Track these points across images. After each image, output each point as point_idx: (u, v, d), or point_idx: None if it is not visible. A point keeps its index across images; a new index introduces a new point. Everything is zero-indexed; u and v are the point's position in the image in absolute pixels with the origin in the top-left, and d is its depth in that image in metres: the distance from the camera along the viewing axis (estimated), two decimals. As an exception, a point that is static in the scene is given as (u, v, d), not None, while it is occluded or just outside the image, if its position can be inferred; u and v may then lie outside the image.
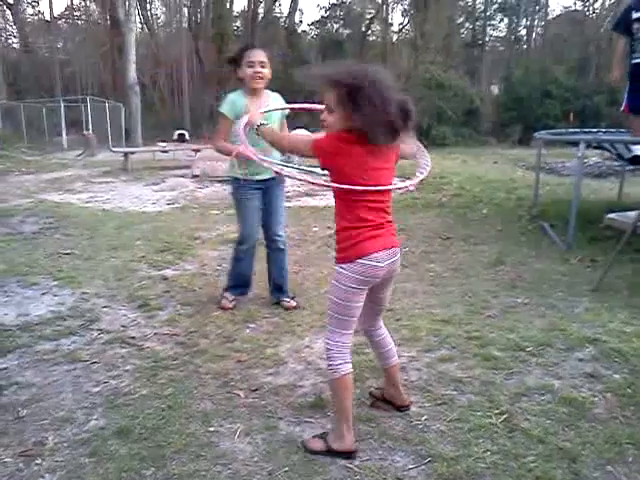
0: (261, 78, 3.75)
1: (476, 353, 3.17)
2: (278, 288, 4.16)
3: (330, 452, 2.30)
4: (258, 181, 3.88)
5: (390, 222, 2.30)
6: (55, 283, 4.50)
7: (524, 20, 38.70)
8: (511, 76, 28.81)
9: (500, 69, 35.47)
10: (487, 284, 4.60)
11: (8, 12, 34.15)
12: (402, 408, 2.61)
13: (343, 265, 2.22)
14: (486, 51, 38.22)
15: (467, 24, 38.38)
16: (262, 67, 3.74)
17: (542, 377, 2.89)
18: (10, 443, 2.40)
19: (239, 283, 4.13)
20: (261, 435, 2.46)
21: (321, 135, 2.21)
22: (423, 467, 2.20)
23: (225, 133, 3.77)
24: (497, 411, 2.56)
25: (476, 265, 5.18)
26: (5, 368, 3.08)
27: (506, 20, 38.42)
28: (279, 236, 4.07)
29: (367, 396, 2.73)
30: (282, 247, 4.10)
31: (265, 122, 2.31)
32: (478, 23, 38.23)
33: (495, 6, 37.33)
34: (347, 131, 2.12)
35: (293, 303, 4.09)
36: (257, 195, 3.93)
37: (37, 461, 2.29)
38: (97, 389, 2.87)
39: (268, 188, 3.93)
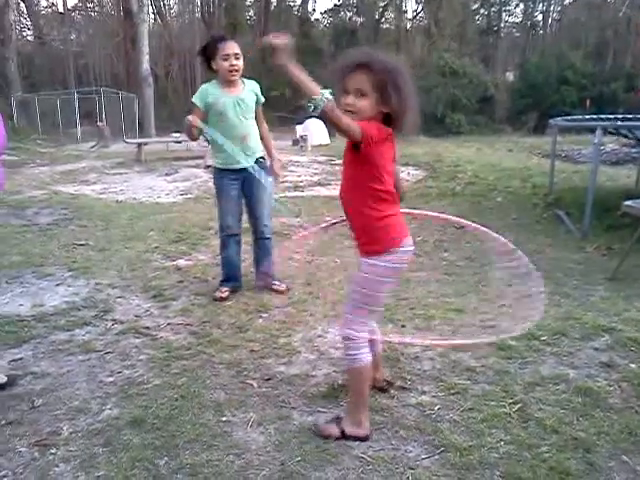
0: (237, 71, 3.77)
1: (490, 342, 3.14)
2: (266, 275, 4.17)
3: (344, 437, 2.31)
4: (234, 171, 3.90)
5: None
6: (70, 274, 4.53)
7: (540, 5, 38.24)
8: (526, 63, 28.48)
9: (515, 56, 35.07)
10: (501, 273, 4.56)
11: (22, 5, 34.22)
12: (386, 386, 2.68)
13: (377, 257, 2.20)
14: (501, 37, 37.81)
15: (482, 10, 37.96)
16: (237, 59, 3.75)
17: (557, 366, 2.86)
18: (25, 433, 2.42)
19: (228, 274, 4.14)
20: (274, 425, 2.45)
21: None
22: (436, 457, 2.19)
23: (194, 121, 3.72)
24: (511, 400, 2.54)
25: (489, 254, 5.14)
26: (21, 358, 3.11)
27: (522, 5, 37.98)
28: (265, 226, 4.09)
29: (379, 385, 2.71)
30: (268, 236, 4.13)
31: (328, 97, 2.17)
32: (493, 9, 37.80)
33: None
34: (378, 119, 2.11)
35: (283, 286, 4.14)
36: (235, 185, 3.96)
37: (52, 450, 2.30)
38: (111, 379, 2.88)
39: (247, 178, 3.91)
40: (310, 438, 2.35)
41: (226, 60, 3.72)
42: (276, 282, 4.17)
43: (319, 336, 3.34)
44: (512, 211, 6.90)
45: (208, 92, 3.82)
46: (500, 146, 16.44)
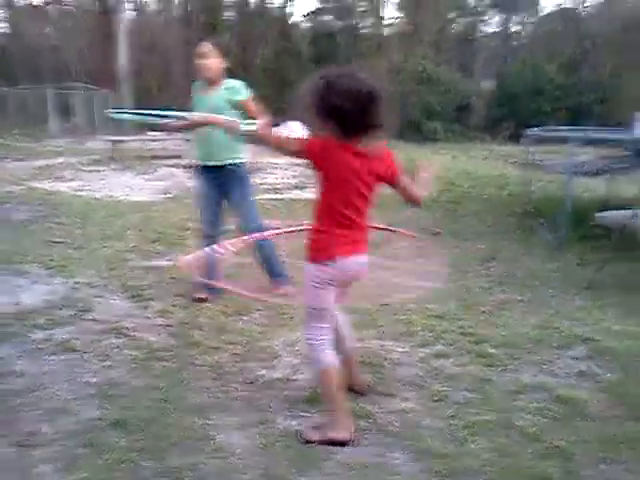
0: (206, 70, 3.84)
1: (471, 349, 3.20)
2: (273, 274, 4.13)
3: (327, 442, 2.33)
4: (210, 168, 3.94)
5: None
6: (47, 272, 4.48)
7: (517, 16, 38.71)
8: (503, 72, 28.83)
9: (492, 65, 35.46)
10: (480, 280, 4.63)
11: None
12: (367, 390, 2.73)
13: (310, 264, 2.36)
14: (478, 46, 38.19)
15: (459, 19, 38.31)
16: (204, 58, 3.82)
17: (537, 375, 2.92)
18: (5, 433, 2.39)
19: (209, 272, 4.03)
20: (257, 429, 2.46)
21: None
22: (420, 464, 2.22)
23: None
24: (492, 408, 2.59)
25: (468, 261, 5.21)
26: (0, 357, 3.06)
27: (497, 18, 38.43)
28: (255, 227, 3.97)
29: (358, 389, 2.73)
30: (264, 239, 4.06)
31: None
32: (470, 18, 38.19)
33: (487, 1, 37.31)
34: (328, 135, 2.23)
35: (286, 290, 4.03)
36: (213, 184, 3.98)
37: (32, 451, 2.27)
38: (92, 379, 2.86)
39: (226, 177, 3.94)
40: (293, 442, 2.36)
41: (199, 59, 3.84)
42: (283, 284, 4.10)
43: (300, 340, 3.34)
44: (488, 219, 6.99)
45: (195, 89, 4.01)
46: (476, 154, 16.60)
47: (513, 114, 24.62)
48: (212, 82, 3.88)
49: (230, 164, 3.93)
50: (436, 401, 2.68)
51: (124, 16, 24.05)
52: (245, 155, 4.05)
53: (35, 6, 35.67)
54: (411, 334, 3.43)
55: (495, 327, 3.52)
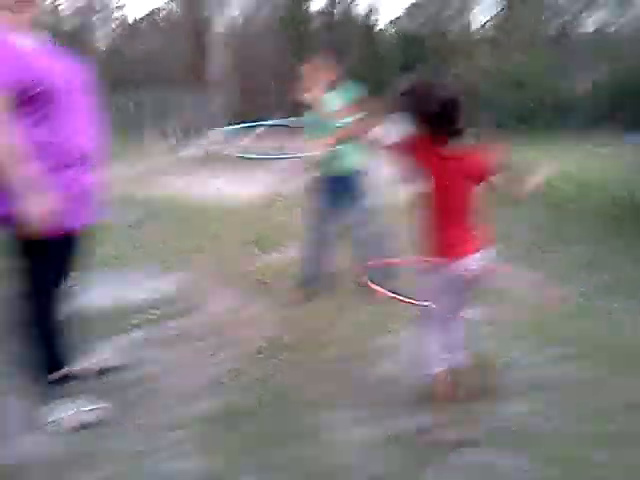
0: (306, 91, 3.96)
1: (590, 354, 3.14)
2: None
3: (438, 443, 2.35)
4: (330, 178, 4.05)
5: None
6: (151, 271, 4.77)
7: (614, 14, 37.08)
8: (602, 72, 27.57)
9: (590, 64, 34.01)
10: (581, 287, 4.45)
11: (101, 15, 35.53)
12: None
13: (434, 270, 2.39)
14: (574, 46, 36.77)
15: (554, 20, 37.06)
16: (312, 82, 3.97)
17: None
18: (140, 416, 2.58)
19: (309, 276, 4.19)
20: (367, 427, 2.52)
21: None
22: (538, 471, 2.20)
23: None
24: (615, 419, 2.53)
25: (568, 267, 5.02)
26: (131, 345, 3.33)
27: (594, 16, 36.94)
28: (366, 234, 4.09)
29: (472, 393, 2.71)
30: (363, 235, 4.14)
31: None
32: (565, 18, 36.86)
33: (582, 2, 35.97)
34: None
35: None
36: (330, 193, 4.07)
37: (168, 433, 2.45)
38: (215, 370, 3.04)
39: (344, 185, 4.05)
40: (403, 441, 2.39)
41: (307, 83, 3.99)
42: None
43: (408, 339, 3.36)
44: (590, 223, 6.72)
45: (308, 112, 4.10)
46: (577, 155, 15.92)
47: (614, 115, 23.47)
48: (312, 101, 3.99)
49: (349, 173, 4.05)
50: (553, 405, 2.64)
51: (217, 28, 24.81)
52: (363, 163, 4.15)
53: (134, 21, 37.47)
54: (525, 337, 3.39)
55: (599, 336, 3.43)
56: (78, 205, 2.39)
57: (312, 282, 4.19)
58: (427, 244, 2.39)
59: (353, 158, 4.06)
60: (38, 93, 2.18)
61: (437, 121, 2.25)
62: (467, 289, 2.46)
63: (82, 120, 2.39)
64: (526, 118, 23.29)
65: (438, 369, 2.40)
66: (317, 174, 4.11)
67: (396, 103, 2.35)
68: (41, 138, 2.22)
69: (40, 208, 2.15)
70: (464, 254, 2.34)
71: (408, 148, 2.33)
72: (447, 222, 2.35)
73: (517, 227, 6.66)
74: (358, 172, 4.12)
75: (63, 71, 2.32)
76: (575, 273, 4.85)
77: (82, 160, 2.37)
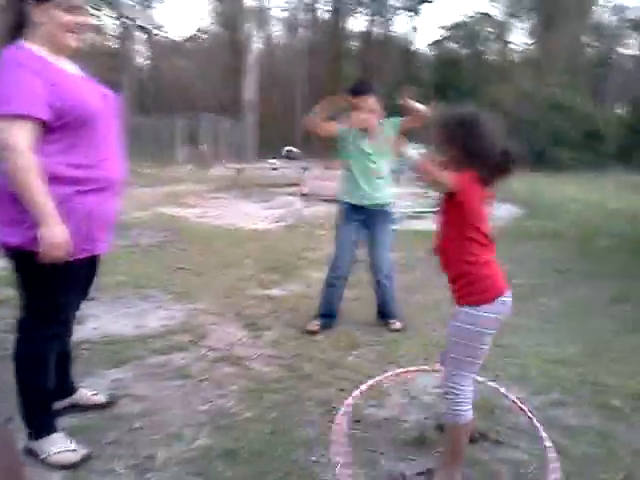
0: (369, 123, 3.89)
1: (592, 400, 2.99)
2: (383, 314, 4.18)
3: None
4: (358, 208, 4.00)
5: None
6: (169, 297, 4.71)
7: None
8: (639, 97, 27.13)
9: (629, 90, 33.56)
10: (607, 323, 4.33)
11: (139, 35, 36.41)
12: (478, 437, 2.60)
13: (477, 307, 2.17)
14: (614, 70, 36.34)
15: (594, 43, 36.69)
16: (366, 111, 3.86)
17: (669, 433, 2.68)
18: (124, 454, 2.50)
19: (324, 311, 4.15)
20: (362, 469, 2.42)
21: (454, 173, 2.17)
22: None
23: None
24: (618, 467, 2.39)
25: (595, 301, 4.89)
26: (121, 379, 3.23)
27: (639, 38, 36.49)
28: (381, 271, 4.11)
29: (474, 438, 2.62)
30: (385, 282, 4.13)
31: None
32: (606, 41, 36.47)
33: (627, 24, 35.59)
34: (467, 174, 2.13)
35: (398, 325, 4.10)
36: (355, 225, 4.05)
37: (147, 475, 2.37)
38: (205, 407, 2.94)
39: (371, 219, 4.03)
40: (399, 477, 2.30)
41: (360, 113, 3.86)
42: (391, 320, 4.16)
43: (410, 379, 3.28)
44: (620, 257, 6.54)
45: (347, 135, 4.01)
46: (607, 184, 15.66)
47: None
48: (372, 131, 3.93)
49: (380, 205, 4.02)
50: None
51: (253, 49, 25.19)
52: (392, 196, 4.15)
53: (173, 42, 38.30)
54: (526, 379, 3.26)
55: (622, 377, 3.27)
56: (100, 231, 2.38)
57: (329, 315, 4.16)
58: (481, 273, 2.22)
59: (390, 190, 4.09)
60: (74, 118, 2.19)
61: (495, 166, 2.14)
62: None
63: (112, 147, 2.40)
64: (561, 141, 22.97)
65: (467, 420, 2.26)
66: (350, 203, 4.05)
67: (441, 134, 2.21)
68: (72, 162, 2.22)
69: (58, 237, 2.13)
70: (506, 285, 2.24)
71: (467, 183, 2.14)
72: (490, 249, 2.23)
73: (542, 259, 6.55)
74: (393, 204, 4.15)
75: (97, 98, 2.33)
76: (601, 308, 4.72)
77: (109, 187, 2.37)
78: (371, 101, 3.85)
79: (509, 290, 2.22)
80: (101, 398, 2.91)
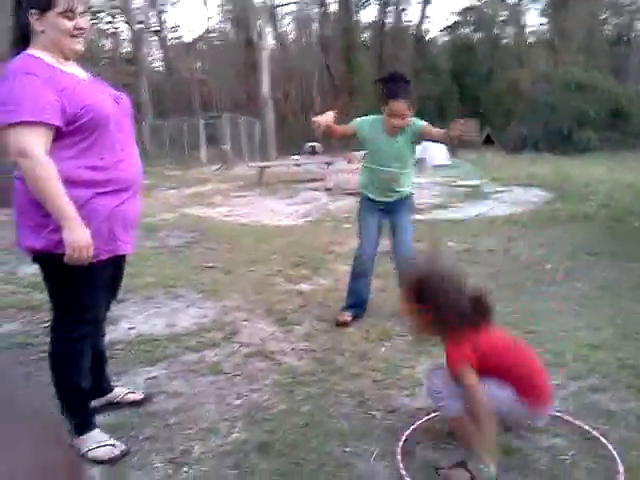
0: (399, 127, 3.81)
1: (630, 384, 2.94)
2: None
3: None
4: (380, 202, 4.03)
5: None
6: (199, 295, 4.74)
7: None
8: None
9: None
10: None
11: (153, 38, 36.76)
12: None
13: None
14: (633, 47, 35.64)
15: (612, 19, 35.99)
16: (402, 118, 3.77)
17: None
18: (160, 449, 2.54)
19: (353, 301, 4.15)
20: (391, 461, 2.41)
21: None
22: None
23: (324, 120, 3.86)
24: (656, 450, 2.35)
25: (628, 284, 4.79)
26: (155, 377, 3.28)
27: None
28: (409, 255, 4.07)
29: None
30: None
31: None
32: (623, 17, 35.76)
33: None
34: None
35: None
36: (378, 213, 4.07)
37: (184, 468, 2.40)
38: (238, 402, 2.97)
39: (392, 207, 4.04)
40: (433, 475, 2.29)
41: (391, 117, 3.78)
42: None
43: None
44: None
45: (368, 125, 3.94)
46: (635, 164, 15.32)
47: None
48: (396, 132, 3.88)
49: (400, 197, 4.04)
50: (590, 439, 2.48)
51: (266, 46, 25.24)
52: (412, 185, 4.15)
53: (187, 43, 38.57)
54: (562, 365, 3.22)
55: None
56: (122, 232, 2.40)
57: (358, 305, 4.17)
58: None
59: (410, 180, 4.09)
60: (86, 121, 2.21)
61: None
62: None
63: (127, 148, 2.42)
64: (585, 122, 22.53)
65: (455, 408, 2.28)
66: (374, 195, 4.06)
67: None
68: (89, 165, 2.25)
69: (82, 240, 2.16)
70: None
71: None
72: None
73: (573, 243, 6.46)
74: (413, 194, 4.16)
75: (108, 100, 2.36)
76: (634, 291, 4.63)
77: (128, 187, 2.39)
78: (405, 105, 3.73)
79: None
80: (137, 395, 2.96)
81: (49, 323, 2.51)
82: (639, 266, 5.31)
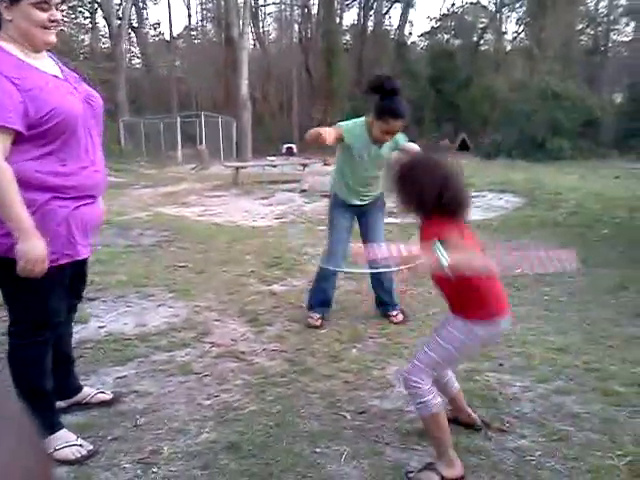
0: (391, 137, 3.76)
1: (595, 387, 3.00)
2: (382, 303, 4.18)
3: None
4: (354, 205, 4.03)
5: None
6: (170, 295, 4.71)
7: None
8: (637, 84, 26.97)
9: (624, 76, 33.45)
10: (608, 311, 4.34)
11: (133, 35, 36.42)
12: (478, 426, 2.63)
13: (480, 323, 2.20)
14: (609, 58, 36.28)
15: (588, 30, 36.58)
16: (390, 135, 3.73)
17: (671, 418, 2.68)
18: (129, 449, 2.52)
19: (319, 300, 4.15)
20: (367, 460, 2.43)
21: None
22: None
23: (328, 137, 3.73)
24: (620, 452, 2.40)
25: (595, 290, 4.90)
26: (125, 376, 3.25)
27: (632, 24, 36.39)
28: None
29: (476, 426, 2.63)
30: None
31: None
32: (600, 28, 36.38)
33: (620, 9, 35.49)
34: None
35: (400, 317, 4.09)
36: (349, 215, 4.06)
37: (153, 469, 2.39)
38: (208, 402, 2.96)
39: (366, 210, 4.06)
40: (403, 477, 2.30)
41: (384, 133, 3.69)
42: (393, 312, 4.16)
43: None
44: (619, 244, 6.54)
45: (355, 132, 3.82)
46: (606, 173, 15.58)
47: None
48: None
49: (372, 198, 4.05)
50: (556, 440, 2.52)
51: (246, 45, 25.18)
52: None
53: (166, 41, 38.28)
54: (530, 368, 3.27)
55: (624, 363, 3.28)
56: (81, 236, 2.34)
57: (325, 304, 4.18)
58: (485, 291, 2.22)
59: (378, 187, 4.06)
60: (51, 127, 2.12)
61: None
62: None
63: (92, 152, 2.35)
64: (559, 131, 22.84)
65: (438, 408, 2.27)
66: (348, 198, 4.04)
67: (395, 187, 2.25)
68: (49, 171, 2.16)
69: (36, 251, 2.08)
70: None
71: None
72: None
73: (544, 248, 6.54)
74: (378, 196, 4.13)
75: (76, 102, 2.26)
76: (601, 297, 4.73)
77: (90, 194, 2.34)
78: (402, 124, 3.67)
79: (508, 315, 2.25)
80: (106, 396, 2.93)
81: (7, 327, 2.42)
82: (607, 272, 5.42)
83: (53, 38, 2.23)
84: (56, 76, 2.28)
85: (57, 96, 2.17)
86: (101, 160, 2.42)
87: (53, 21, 2.19)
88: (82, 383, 2.93)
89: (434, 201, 2.12)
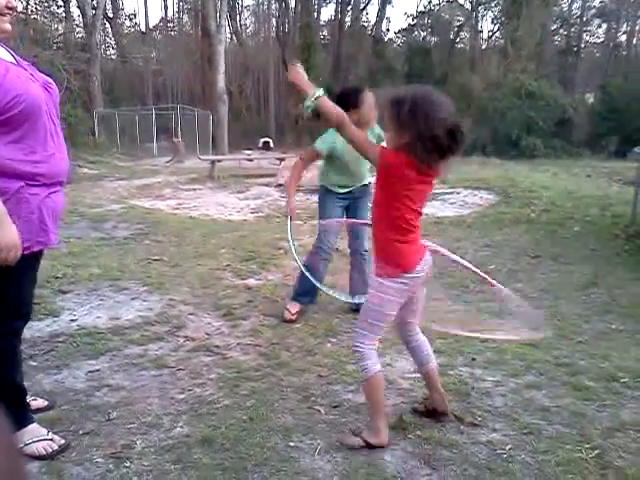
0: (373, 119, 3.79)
1: (566, 381, 3.05)
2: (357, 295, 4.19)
3: (367, 446, 2.43)
4: (341, 193, 4.08)
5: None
6: (144, 289, 4.67)
7: (624, 25, 37.06)
8: (608, 84, 27.46)
9: (596, 77, 33.99)
10: (578, 307, 4.42)
11: (108, 25, 35.90)
12: (442, 416, 2.67)
13: (386, 278, 2.34)
14: (581, 58, 36.79)
15: (561, 30, 37.07)
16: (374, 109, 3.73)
17: (638, 412, 2.73)
18: (101, 444, 2.49)
19: (305, 289, 4.14)
20: (341, 453, 2.44)
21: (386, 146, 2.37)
22: (507, 499, 2.13)
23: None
24: (588, 445, 2.44)
25: (566, 286, 4.98)
26: (98, 370, 3.21)
27: (604, 26, 36.96)
28: (362, 245, 4.15)
29: (450, 420, 2.66)
30: (365, 259, 4.13)
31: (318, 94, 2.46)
32: (573, 29, 36.87)
33: (592, 11, 36.00)
34: (401, 150, 2.21)
35: None
36: (340, 205, 4.10)
37: (126, 464, 2.36)
38: (182, 396, 2.94)
39: (354, 200, 4.10)
40: (376, 470, 2.32)
41: (370, 110, 3.72)
42: None
43: (387, 364, 3.30)
44: (590, 241, 6.67)
45: (329, 139, 3.88)
46: (578, 171, 15.88)
47: (619, 128, 23.36)
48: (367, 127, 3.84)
49: (363, 185, 4.10)
50: (526, 434, 2.56)
51: (223, 39, 24.99)
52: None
53: (142, 32, 37.86)
54: (502, 362, 3.31)
55: (593, 358, 3.34)
56: (52, 224, 2.30)
57: (311, 294, 4.19)
58: (394, 250, 2.35)
59: (365, 174, 4.13)
60: (16, 113, 2.07)
61: (433, 146, 2.16)
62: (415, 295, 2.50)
63: (58, 139, 2.31)
64: (533, 129, 23.18)
65: (377, 372, 2.45)
66: (334, 190, 4.08)
67: (388, 110, 2.25)
68: (18, 159, 2.12)
69: (9, 238, 2.04)
70: (423, 257, 2.39)
71: (391, 158, 2.24)
72: (410, 232, 2.34)
73: (516, 245, 6.64)
74: (365, 185, 4.16)
75: (38, 89, 2.21)
76: (572, 293, 4.81)
77: (58, 181, 2.31)
78: (362, 113, 3.70)
79: (417, 269, 2.34)
80: (40, 403, 2.80)
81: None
82: (578, 269, 5.51)
83: (8, 26, 2.17)
84: (13, 63, 2.21)
85: (19, 82, 2.12)
86: (64, 147, 2.38)
87: (10, 8, 2.13)
88: (53, 377, 2.89)
89: (424, 137, 2.14)
